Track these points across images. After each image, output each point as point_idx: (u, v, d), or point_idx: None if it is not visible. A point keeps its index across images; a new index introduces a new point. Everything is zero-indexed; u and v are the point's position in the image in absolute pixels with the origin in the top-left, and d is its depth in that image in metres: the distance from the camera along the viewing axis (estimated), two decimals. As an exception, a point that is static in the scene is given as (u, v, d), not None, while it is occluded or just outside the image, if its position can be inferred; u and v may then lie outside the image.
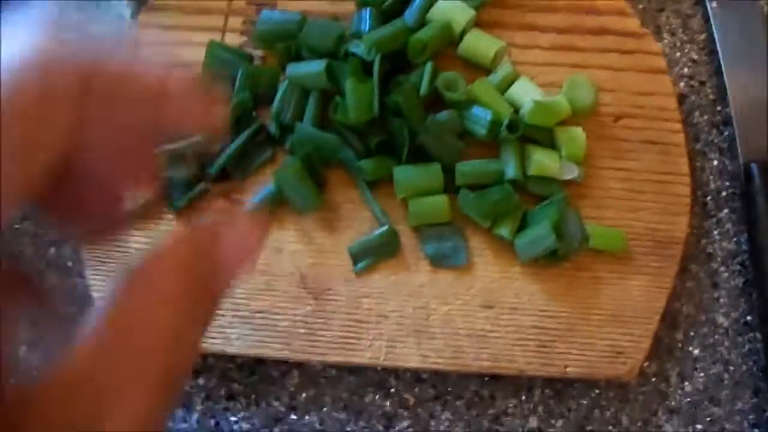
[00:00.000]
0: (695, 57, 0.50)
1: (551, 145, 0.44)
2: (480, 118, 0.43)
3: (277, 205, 0.44)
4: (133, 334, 0.19)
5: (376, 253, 0.43)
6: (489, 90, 0.44)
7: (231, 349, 0.42)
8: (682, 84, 0.49)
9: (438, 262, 0.42)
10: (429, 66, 0.43)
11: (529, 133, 0.43)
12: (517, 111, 0.44)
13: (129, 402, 0.19)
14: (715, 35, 0.50)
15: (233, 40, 0.48)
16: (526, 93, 0.44)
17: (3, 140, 0.18)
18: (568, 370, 0.41)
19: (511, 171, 0.42)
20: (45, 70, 0.19)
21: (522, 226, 0.43)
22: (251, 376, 0.43)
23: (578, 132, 0.44)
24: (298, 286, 0.43)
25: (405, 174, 0.42)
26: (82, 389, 0.19)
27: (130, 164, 0.24)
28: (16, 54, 0.19)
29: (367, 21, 0.45)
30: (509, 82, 0.45)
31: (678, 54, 0.50)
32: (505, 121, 0.42)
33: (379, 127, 0.43)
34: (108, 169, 0.24)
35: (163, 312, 0.20)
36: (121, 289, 0.20)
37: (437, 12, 0.46)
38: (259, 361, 0.43)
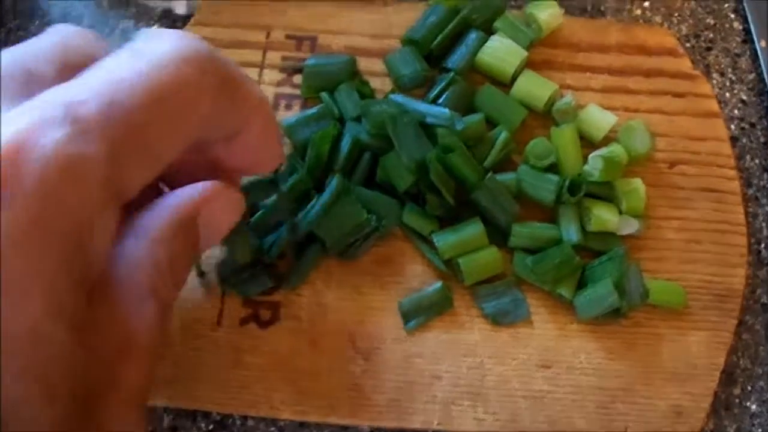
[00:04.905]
0: (744, 98, 0.48)
1: (610, 197, 0.42)
2: (549, 183, 0.41)
3: (322, 256, 0.41)
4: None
5: (428, 311, 0.41)
6: (572, 139, 0.42)
7: (275, 413, 0.40)
8: (732, 126, 0.48)
9: (499, 319, 0.41)
10: (504, 136, 0.41)
11: (589, 188, 0.41)
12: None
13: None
14: (765, 75, 0.48)
15: (272, 77, 0.45)
16: (601, 118, 0.43)
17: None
18: (628, 431, 0.40)
19: (573, 236, 0.41)
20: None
21: (580, 282, 0.41)
22: (295, 438, 0.41)
23: (638, 183, 0.42)
24: (346, 345, 0.40)
25: (446, 239, 0.40)
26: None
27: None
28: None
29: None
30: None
31: (728, 95, 0.48)
32: (566, 183, 0.40)
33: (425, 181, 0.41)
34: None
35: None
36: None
37: (487, 53, 0.44)
38: (303, 423, 0.41)
